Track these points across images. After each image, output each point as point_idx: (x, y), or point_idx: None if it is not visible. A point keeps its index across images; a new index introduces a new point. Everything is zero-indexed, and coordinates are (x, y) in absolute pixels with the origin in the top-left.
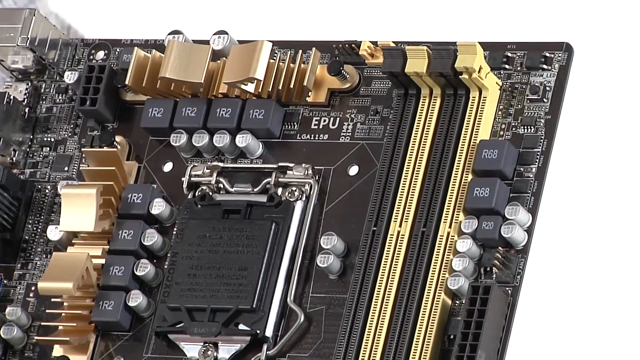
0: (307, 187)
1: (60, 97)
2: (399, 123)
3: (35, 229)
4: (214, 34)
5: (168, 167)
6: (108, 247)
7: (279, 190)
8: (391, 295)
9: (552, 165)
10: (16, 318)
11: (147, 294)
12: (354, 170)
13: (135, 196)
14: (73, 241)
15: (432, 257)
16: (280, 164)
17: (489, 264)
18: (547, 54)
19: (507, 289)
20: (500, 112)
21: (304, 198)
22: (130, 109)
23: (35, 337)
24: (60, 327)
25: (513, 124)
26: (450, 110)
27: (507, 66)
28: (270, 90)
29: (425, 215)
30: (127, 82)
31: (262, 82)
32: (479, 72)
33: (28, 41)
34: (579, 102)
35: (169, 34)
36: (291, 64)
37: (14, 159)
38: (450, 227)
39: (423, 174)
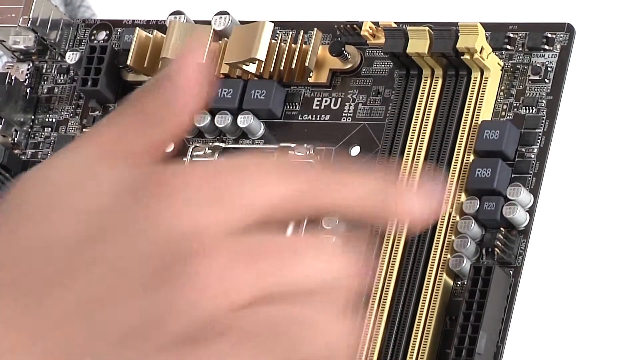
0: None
1: (61, 78)
2: (401, 103)
3: None
4: (215, 15)
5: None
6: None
7: None
8: (392, 276)
9: (554, 146)
10: None
11: None
12: (355, 150)
13: None
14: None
15: (434, 238)
16: (281, 145)
17: (490, 245)
18: (549, 35)
19: (509, 269)
20: (501, 93)
21: None
22: (131, 90)
23: None
24: None
25: (515, 104)
26: (451, 91)
27: (508, 47)
28: (271, 70)
29: None
30: (128, 63)
31: (263, 63)
32: (480, 52)
33: (30, 22)
34: (580, 83)
35: (170, 15)
36: (292, 45)
37: (16, 139)
38: (451, 207)
39: (424, 154)
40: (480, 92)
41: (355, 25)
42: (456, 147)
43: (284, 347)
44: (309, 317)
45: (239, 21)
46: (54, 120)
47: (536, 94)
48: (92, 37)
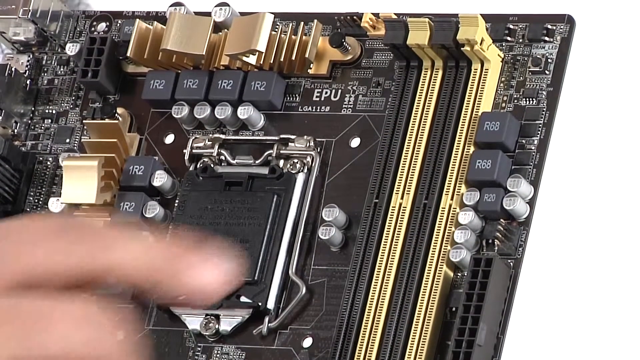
0: (308, 159)
1: (61, 69)
2: (401, 95)
3: (36, 201)
4: (215, 6)
5: (170, 139)
6: (110, 219)
7: (281, 162)
8: (393, 268)
9: (554, 137)
10: None
11: None
12: (355, 142)
13: (136, 168)
14: (75, 213)
15: (434, 230)
16: (281, 136)
17: (490, 236)
18: (549, 26)
19: (509, 261)
20: (502, 84)
21: (305, 170)
22: (131, 81)
23: None
24: None
25: (515, 96)
26: (452, 82)
27: (508, 38)
28: (271, 62)
29: (427, 188)
30: (128, 54)
31: (263, 54)
32: (480, 44)
33: (30, 13)
34: (580, 74)
35: (170, 6)
36: (293, 36)
37: (16, 131)
38: (452, 199)
39: (425, 146)
40: (481, 83)
41: (355, 17)
42: (456, 139)
43: None
44: None
45: (239, 12)
46: (54, 111)
47: (536, 85)
48: (92, 29)
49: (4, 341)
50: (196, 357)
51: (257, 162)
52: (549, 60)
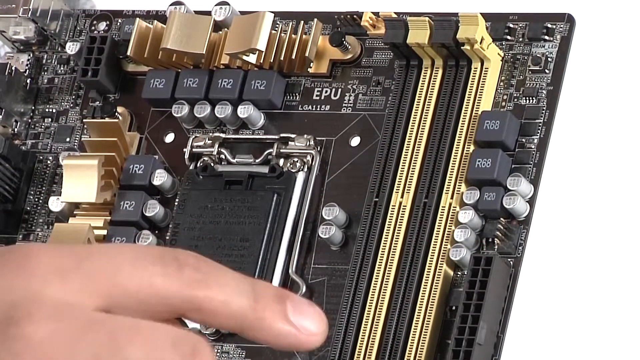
0: (308, 158)
1: (61, 68)
2: (401, 94)
3: (36, 200)
4: (215, 5)
5: (170, 138)
6: (110, 218)
7: (281, 161)
8: (393, 267)
9: (554, 136)
10: None
11: None
12: (355, 141)
13: (136, 167)
14: (75, 212)
15: (434, 228)
16: (282, 135)
17: (490, 235)
18: (549, 25)
19: (509, 260)
20: (502, 83)
21: (305, 169)
22: (131, 80)
23: None
24: None
25: (515, 94)
26: (452, 81)
27: (508, 37)
28: (271, 61)
29: (427, 186)
30: (128, 53)
31: (263, 53)
32: (480, 43)
33: (30, 12)
34: (580, 73)
35: (170, 5)
36: (293, 35)
37: (16, 130)
38: (452, 198)
39: (425, 144)
40: (481, 82)
41: (355, 16)
42: (456, 138)
43: None
44: None
45: (239, 11)
46: (54, 110)
47: (536, 84)
48: (92, 28)
49: (87, 349)
50: None
51: (257, 161)
52: (549, 59)
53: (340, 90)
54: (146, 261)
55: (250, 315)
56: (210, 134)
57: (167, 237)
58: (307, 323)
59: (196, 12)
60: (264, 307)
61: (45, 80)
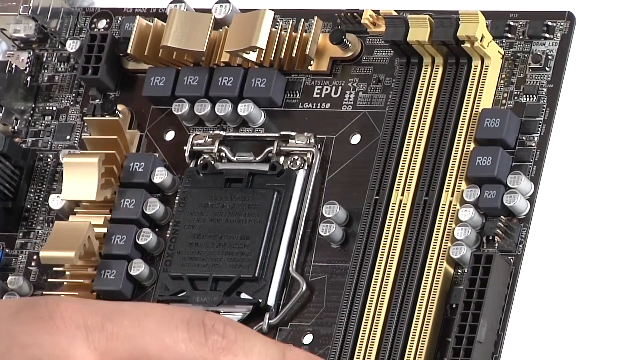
0: (309, 155)
1: (62, 66)
2: (401, 92)
3: (37, 197)
4: (215, 3)
5: (170, 135)
6: (110, 216)
7: (281, 159)
8: (393, 265)
9: (554, 134)
10: (18, 287)
11: (149, 262)
12: (356, 139)
13: (137, 165)
14: (75, 210)
15: (434, 226)
16: (282, 133)
17: (491, 233)
18: (549, 23)
19: (509, 257)
20: (502, 81)
21: (306, 167)
22: (132, 78)
23: None
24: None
25: (515, 92)
26: (452, 79)
27: (509, 35)
28: (272, 58)
29: (428, 184)
30: (129, 51)
31: (264, 51)
32: (481, 40)
33: (30, 10)
34: (581, 71)
35: (170, 3)
36: (293, 33)
37: (16, 127)
38: (452, 195)
39: (425, 142)
40: (481, 80)
41: (355, 14)
42: (457, 136)
43: None
44: None
45: (239, 9)
46: (54, 108)
47: (537, 82)
48: (93, 26)
49: None
50: None
51: (257, 158)
52: (549, 57)
53: (340, 88)
54: (172, 325)
55: None
56: (211, 132)
57: (168, 235)
58: None
59: (196, 10)
60: None
61: (46, 78)
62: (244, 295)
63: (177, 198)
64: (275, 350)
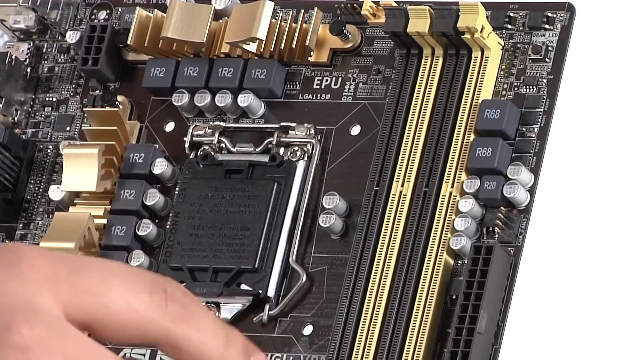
0: (309, 146)
1: (62, 57)
2: (401, 83)
3: (37, 189)
4: None
5: (170, 126)
6: (110, 207)
7: (281, 150)
8: (393, 255)
9: (554, 125)
10: None
11: (149, 253)
12: (356, 130)
13: (137, 156)
14: (75, 201)
15: (434, 217)
16: (282, 124)
17: (491, 224)
18: (550, 14)
19: (510, 249)
20: (502, 72)
21: (306, 158)
22: (132, 69)
23: None
24: None
25: (515, 83)
26: (452, 70)
27: (509, 26)
28: (272, 50)
29: (428, 175)
30: (129, 42)
31: (264, 42)
32: (481, 32)
33: (30, 1)
34: (581, 62)
35: None
36: (293, 24)
37: (16, 118)
38: (452, 187)
39: (425, 133)
40: (481, 71)
41: (355, 5)
42: (457, 127)
43: None
44: None
45: (239, 0)
46: (54, 99)
47: (537, 73)
48: (93, 17)
49: None
50: None
51: (257, 149)
52: (549, 48)
53: (340, 79)
54: (136, 286)
55: None
56: (211, 123)
57: (168, 226)
58: None
59: (196, 1)
60: (230, 354)
61: (46, 69)
62: (244, 287)
63: (177, 189)
64: (221, 330)
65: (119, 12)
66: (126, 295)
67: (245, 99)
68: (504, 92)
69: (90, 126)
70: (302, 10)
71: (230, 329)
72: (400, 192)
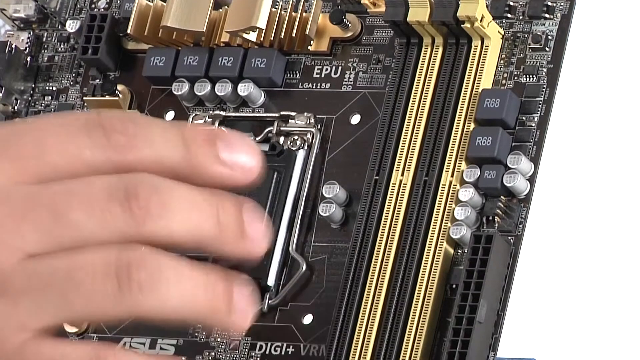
0: (309, 136)
1: (62, 46)
2: (401, 72)
3: None
4: None
5: (170, 116)
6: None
7: (281, 139)
8: (393, 245)
9: (554, 114)
10: None
11: None
12: (356, 119)
13: None
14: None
15: (434, 207)
16: (282, 113)
17: (491, 213)
18: (550, 3)
19: (510, 238)
20: (502, 61)
21: (305, 147)
22: (132, 58)
23: None
24: None
25: (515, 73)
26: (452, 59)
27: (509, 15)
28: (272, 39)
29: (427, 164)
30: (129, 31)
31: (264, 31)
32: (481, 21)
33: None
34: (581, 51)
35: None
36: (293, 13)
37: (16, 107)
38: (452, 176)
39: (425, 122)
40: (481, 60)
41: None
42: (457, 116)
43: (54, 302)
44: (77, 272)
45: None
46: (54, 88)
47: (537, 62)
48: (93, 6)
49: (32, 228)
50: (196, 334)
51: (257, 139)
52: (549, 37)
53: (340, 68)
54: (71, 133)
55: (185, 167)
56: (211, 112)
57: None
58: (240, 158)
59: None
60: (196, 153)
61: (46, 58)
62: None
63: None
64: (173, 134)
65: (118, 1)
66: (65, 146)
67: (245, 88)
68: (503, 81)
69: None
70: None
71: (183, 126)
72: (400, 181)
